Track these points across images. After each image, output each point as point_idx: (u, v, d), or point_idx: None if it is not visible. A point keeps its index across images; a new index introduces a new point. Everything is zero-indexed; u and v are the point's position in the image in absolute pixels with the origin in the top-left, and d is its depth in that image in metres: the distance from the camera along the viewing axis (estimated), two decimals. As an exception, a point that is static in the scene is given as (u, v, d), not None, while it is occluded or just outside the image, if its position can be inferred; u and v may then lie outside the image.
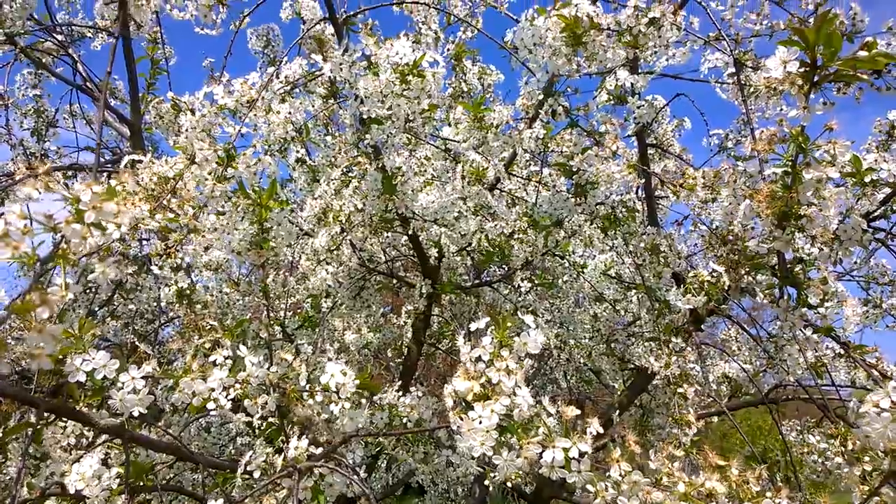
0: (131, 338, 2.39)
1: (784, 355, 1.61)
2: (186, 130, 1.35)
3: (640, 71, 2.03)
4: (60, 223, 0.68)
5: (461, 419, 0.90)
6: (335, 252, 2.00)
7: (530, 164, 2.58)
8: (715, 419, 2.74)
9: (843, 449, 1.24)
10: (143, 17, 1.11)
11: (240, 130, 1.34)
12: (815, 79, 0.84)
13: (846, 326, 1.41)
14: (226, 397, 1.20)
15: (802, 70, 0.84)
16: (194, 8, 1.41)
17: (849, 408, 1.03)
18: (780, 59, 0.85)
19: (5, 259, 0.59)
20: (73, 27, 2.73)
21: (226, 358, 1.24)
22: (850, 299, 1.37)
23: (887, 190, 1.41)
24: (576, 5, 1.37)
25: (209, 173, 1.25)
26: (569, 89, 1.66)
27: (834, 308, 1.34)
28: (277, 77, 1.70)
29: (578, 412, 1.00)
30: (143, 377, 1.10)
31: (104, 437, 1.22)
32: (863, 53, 0.80)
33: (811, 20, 2.01)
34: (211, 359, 1.23)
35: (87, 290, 2.08)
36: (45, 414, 1.17)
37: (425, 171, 2.13)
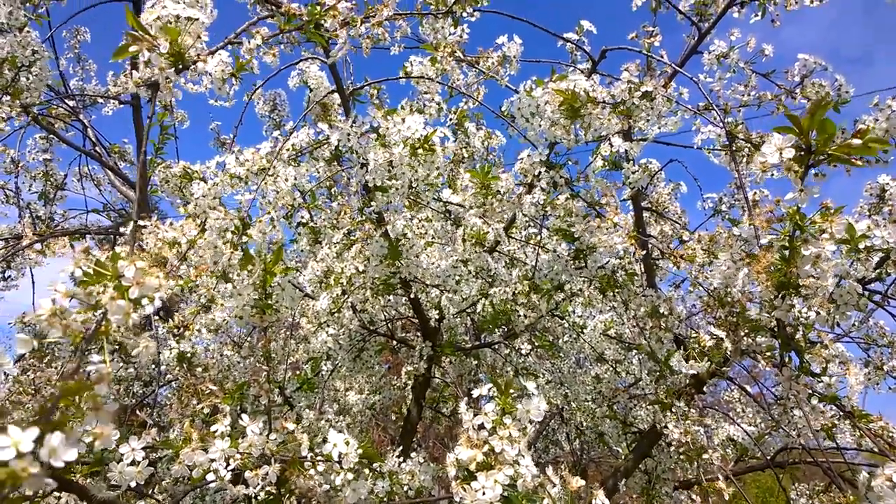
0: (130, 402, 2.35)
1: (793, 417, 1.60)
2: (197, 198, 1.38)
3: (633, 138, 2.10)
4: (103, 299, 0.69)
5: (464, 490, 0.89)
6: (336, 314, 2.01)
7: (528, 226, 2.62)
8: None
9: (854, 520, 1.22)
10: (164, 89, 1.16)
11: (253, 199, 1.37)
12: (810, 163, 0.88)
13: (851, 395, 1.41)
14: (226, 468, 1.18)
15: (798, 155, 0.88)
16: (209, 82, 1.46)
17: (859, 480, 1.02)
18: (776, 145, 0.89)
19: (55, 338, 0.59)
20: (85, 95, 2.82)
21: (226, 426, 1.22)
22: (853, 366, 1.37)
23: (881, 254, 1.44)
24: (573, 81, 1.43)
25: (225, 242, 1.27)
26: (569, 161, 1.71)
27: (838, 376, 1.34)
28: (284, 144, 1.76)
29: (583, 483, 0.99)
30: (142, 448, 1.09)
31: (100, 510, 1.19)
32: (856, 141, 0.83)
33: (797, 90, 2.10)
34: (212, 428, 1.21)
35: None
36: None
37: (426, 232, 2.16)
